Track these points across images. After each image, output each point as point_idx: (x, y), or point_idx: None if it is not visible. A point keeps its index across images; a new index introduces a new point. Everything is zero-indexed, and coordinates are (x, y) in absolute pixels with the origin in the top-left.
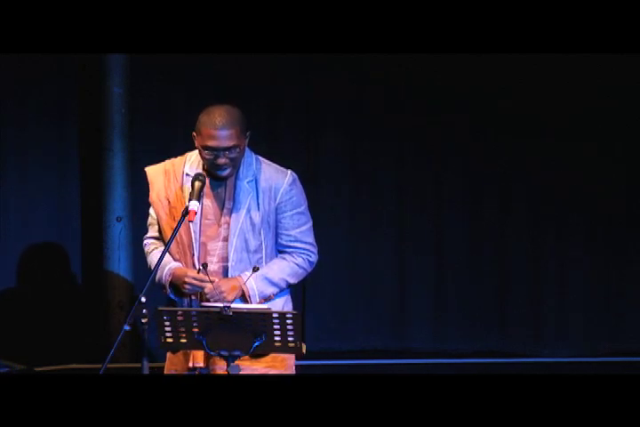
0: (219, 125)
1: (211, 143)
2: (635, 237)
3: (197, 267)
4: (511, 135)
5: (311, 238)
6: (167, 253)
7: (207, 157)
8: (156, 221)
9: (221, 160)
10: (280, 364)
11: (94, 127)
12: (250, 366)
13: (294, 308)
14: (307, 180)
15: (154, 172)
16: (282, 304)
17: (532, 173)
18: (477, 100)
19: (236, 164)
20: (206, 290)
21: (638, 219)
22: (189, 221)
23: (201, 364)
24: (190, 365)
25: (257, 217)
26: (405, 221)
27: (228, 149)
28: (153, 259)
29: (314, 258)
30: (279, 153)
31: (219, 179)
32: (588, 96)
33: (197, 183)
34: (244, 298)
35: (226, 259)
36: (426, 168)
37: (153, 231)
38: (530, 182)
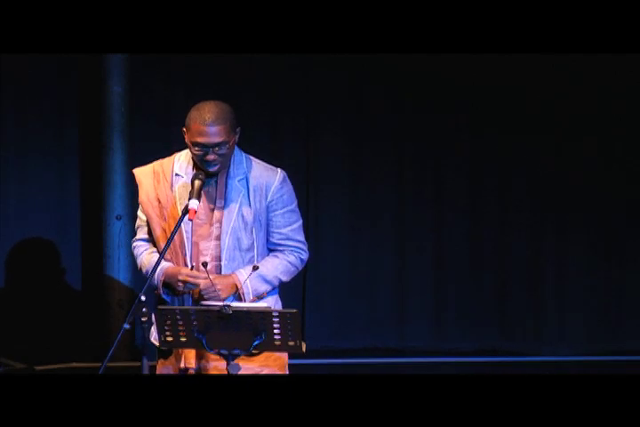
0: (208, 121)
1: (200, 139)
2: (635, 237)
3: (190, 267)
4: (511, 135)
5: (302, 236)
6: (158, 254)
7: (196, 152)
8: (145, 223)
9: (210, 156)
10: (273, 362)
11: (94, 127)
12: (244, 365)
13: (293, 306)
14: (307, 180)
15: (142, 173)
16: (273, 303)
17: (532, 173)
18: (477, 100)
19: (225, 160)
20: (201, 286)
21: (638, 219)
22: (189, 220)
23: (192, 365)
24: (182, 365)
25: (249, 215)
26: (405, 220)
27: (218, 145)
28: (144, 261)
29: (305, 256)
30: (279, 153)
31: (208, 174)
32: (589, 96)
33: (197, 182)
34: (237, 295)
35: (219, 258)
36: (426, 168)
37: (142, 233)
38: (530, 182)
